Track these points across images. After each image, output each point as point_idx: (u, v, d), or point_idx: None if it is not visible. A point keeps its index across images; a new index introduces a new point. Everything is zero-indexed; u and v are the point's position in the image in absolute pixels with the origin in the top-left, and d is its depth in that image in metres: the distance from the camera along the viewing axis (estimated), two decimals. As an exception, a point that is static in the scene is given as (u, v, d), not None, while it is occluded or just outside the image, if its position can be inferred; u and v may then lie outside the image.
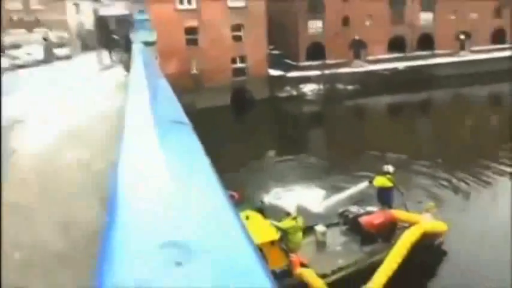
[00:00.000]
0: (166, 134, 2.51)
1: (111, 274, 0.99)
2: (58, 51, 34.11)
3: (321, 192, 17.04)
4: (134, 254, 1.05)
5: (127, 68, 12.28)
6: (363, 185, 14.53)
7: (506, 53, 46.62)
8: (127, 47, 13.34)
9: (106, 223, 1.33)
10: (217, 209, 1.35)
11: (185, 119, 2.83)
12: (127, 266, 1.01)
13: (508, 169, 20.57)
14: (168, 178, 1.63)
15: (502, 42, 47.88)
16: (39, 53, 23.44)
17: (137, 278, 0.96)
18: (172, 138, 2.47)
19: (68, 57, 30.67)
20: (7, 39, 29.22)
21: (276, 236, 10.55)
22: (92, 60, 19.19)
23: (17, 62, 22.53)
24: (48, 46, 23.76)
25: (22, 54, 24.67)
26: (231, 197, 10.78)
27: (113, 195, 1.56)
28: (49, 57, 22.87)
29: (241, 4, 37.34)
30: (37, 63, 22.34)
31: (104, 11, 32.84)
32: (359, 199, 14.67)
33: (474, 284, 11.82)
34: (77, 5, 70.56)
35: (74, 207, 3.82)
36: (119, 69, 13.91)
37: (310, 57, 43.10)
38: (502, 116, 35.00)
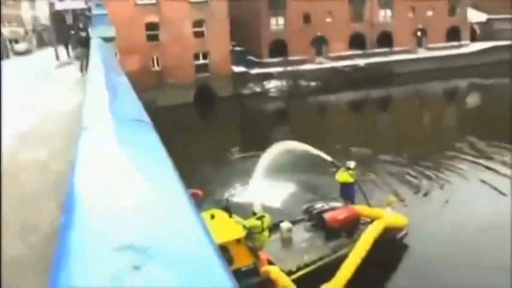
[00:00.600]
0: (125, 133, 2.45)
1: (67, 278, 0.96)
2: (17, 47, 32.86)
3: (285, 187, 17.16)
4: (91, 257, 1.02)
5: (85, 64, 11.93)
6: (325, 157, 14.70)
7: (461, 50, 48.36)
8: (85, 42, 12.93)
9: (62, 225, 1.30)
10: (177, 209, 1.32)
11: (146, 117, 2.76)
12: (83, 270, 0.98)
13: (467, 157, 21.48)
14: (126, 178, 1.59)
15: (457, 39, 49.62)
16: None
17: (94, 281, 0.92)
18: (132, 137, 2.40)
19: (27, 52, 29.56)
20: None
21: (241, 234, 10.52)
22: (48, 56, 18.56)
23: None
24: (4, 41, 22.89)
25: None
26: (195, 195, 10.69)
27: (69, 196, 1.52)
28: (5, 52, 22.05)
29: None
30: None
31: (60, 5, 31.78)
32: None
33: (434, 276, 12.18)
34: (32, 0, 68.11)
35: (32, 210, 3.68)
36: (77, 66, 13.50)
37: (272, 54, 43.30)
38: (458, 111, 36.40)
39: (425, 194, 17.62)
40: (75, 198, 1.48)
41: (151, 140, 2.30)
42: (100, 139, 2.30)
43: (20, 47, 32.11)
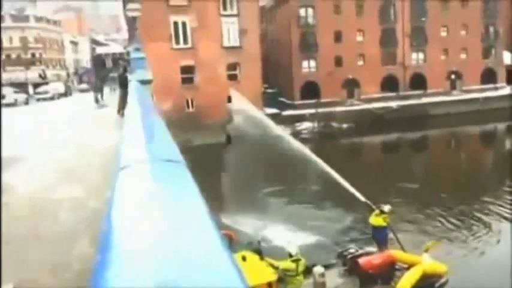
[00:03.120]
0: (160, 172, 2.47)
1: None
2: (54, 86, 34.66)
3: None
4: None
5: (123, 105, 12.30)
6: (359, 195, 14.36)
7: (497, 93, 47.48)
8: (123, 85, 13.40)
9: (97, 263, 1.30)
10: (211, 251, 1.30)
11: (180, 158, 2.78)
12: None
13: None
14: (161, 218, 1.57)
15: (493, 81, 48.85)
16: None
17: None
18: (166, 177, 2.44)
19: (64, 95, 30.94)
20: (5, 76, 30.13)
21: (273, 277, 10.28)
22: (88, 98, 19.30)
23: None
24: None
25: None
26: (228, 236, 10.59)
27: (105, 234, 1.52)
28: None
29: (236, 44, 38.06)
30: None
31: (101, 50, 33.34)
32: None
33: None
34: (75, 43, 71.95)
35: (67, 246, 3.70)
36: (114, 108, 13.93)
37: (304, 96, 43.68)
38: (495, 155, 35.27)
39: (464, 241, 16.91)
40: (111, 237, 1.48)
41: (185, 179, 2.32)
42: (136, 178, 2.34)
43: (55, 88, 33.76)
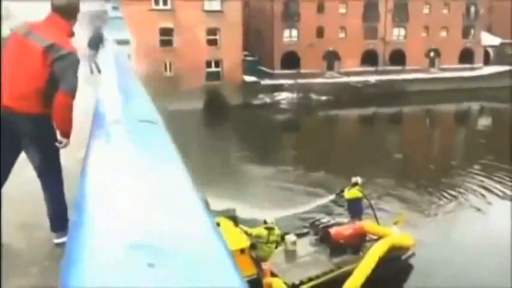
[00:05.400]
0: (138, 133, 2.41)
1: (78, 277, 0.95)
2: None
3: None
4: (103, 256, 1.02)
5: (95, 63, 11.92)
6: (329, 198, 14.75)
7: (473, 73, 48.17)
8: (99, 43, 12.95)
9: (73, 224, 1.30)
10: (189, 210, 1.32)
11: (158, 119, 2.71)
12: (96, 269, 0.98)
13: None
14: (138, 179, 1.56)
15: (470, 62, 49.47)
16: None
17: (107, 280, 0.91)
18: (144, 138, 2.38)
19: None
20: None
21: (245, 243, 10.40)
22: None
23: None
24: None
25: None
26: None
27: (81, 195, 1.52)
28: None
29: (217, 8, 37.25)
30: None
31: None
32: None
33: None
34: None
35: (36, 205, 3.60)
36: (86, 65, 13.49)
37: (284, 66, 43.42)
38: (468, 133, 36.13)
39: (432, 215, 17.43)
40: (87, 198, 1.48)
41: (164, 141, 2.29)
42: (112, 139, 2.28)
43: None
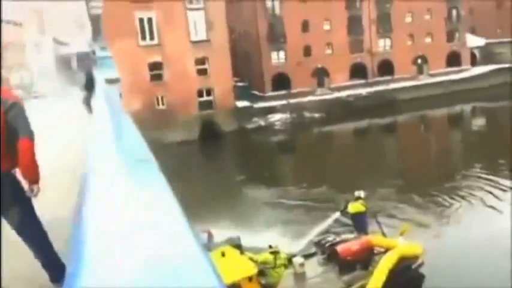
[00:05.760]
0: (131, 173, 2.42)
1: None
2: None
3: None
4: None
5: (89, 105, 12.00)
6: (335, 215, 14.62)
7: (462, 75, 48.63)
8: (89, 84, 13.05)
9: (70, 273, 1.32)
10: (185, 251, 1.30)
11: (151, 157, 2.71)
12: None
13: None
14: (133, 220, 1.56)
15: (457, 64, 50.00)
16: None
17: None
18: (137, 177, 2.39)
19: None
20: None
21: (253, 271, 10.26)
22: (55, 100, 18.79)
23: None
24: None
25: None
26: (209, 234, 10.51)
27: (77, 240, 1.52)
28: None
29: (204, 37, 37.70)
30: None
31: (65, 50, 32.49)
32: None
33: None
34: (37, 45, 69.76)
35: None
36: (82, 108, 13.58)
37: (275, 87, 43.76)
38: (463, 135, 36.21)
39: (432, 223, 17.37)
40: (84, 243, 1.46)
41: (157, 179, 2.27)
42: (106, 181, 2.29)
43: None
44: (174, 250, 1.29)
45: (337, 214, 14.65)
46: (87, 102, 13.04)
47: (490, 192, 19.85)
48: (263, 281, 10.43)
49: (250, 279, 10.17)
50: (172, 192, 1.95)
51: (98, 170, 2.59)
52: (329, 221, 14.70)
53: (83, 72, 17.86)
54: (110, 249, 1.33)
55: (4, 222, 2.99)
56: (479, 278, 12.79)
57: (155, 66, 36.55)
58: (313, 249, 13.57)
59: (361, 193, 14.08)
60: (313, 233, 14.61)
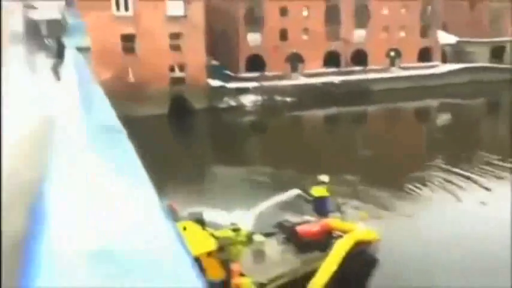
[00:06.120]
0: (99, 141, 2.44)
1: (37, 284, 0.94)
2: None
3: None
4: (62, 265, 1.00)
5: (57, 72, 11.77)
6: (293, 192, 14.73)
7: (432, 71, 49.69)
8: (59, 52, 12.76)
9: (31, 232, 1.29)
10: (150, 218, 1.32)
11: (120, 126, 2.76)
12: (54, 277, 0.96)
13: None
14: (100, 187, 1.58)
15: (428, 60, 51.00)
16: None
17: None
18: (105, 146, 2.40)
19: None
20: None
21: (212, 246, 10.46)
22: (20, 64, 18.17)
23: None
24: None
25: None
26: (171, 207, 10.60)
27: (40, 204, 1.52)
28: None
29: (180, 13, 37.09)
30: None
31: (35, 14, 31.30)
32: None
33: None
34: (6, 10, 66.91)
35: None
36: (49, 74, 13.27)
37: (249, 69, 43.62)
38: (428, 130, 37.25)
39: (395, 210, 17.99)
40: (47, 206, 1.45)
41: (126, 149, 2.30)
42: (74, 147, 2.29)
43: None
44: (142, 219, 1.29)
45: (295, 191, 14.72)
46: (56, 69, 12.77)
47: (450, 181, 20.85)
48: (222, 257, 10.64)
49: (209, 254, 10.36)
50: (141, 162, 1.98)
51: (66, 138, 2.60)
52: (284, 196, 14.79)
53: (52, 39, 17.34)
54: (77, 216, 1.32)
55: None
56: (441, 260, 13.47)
57: (128, 38, 35.77)
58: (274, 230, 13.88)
59: (326, 178, 14.43)
60: (264, 205, 14.55)
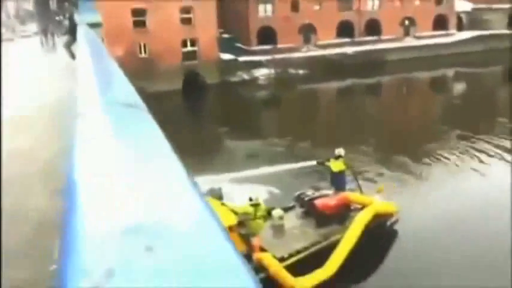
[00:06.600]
0: (121, 118, 2.39)
1: (78, 262, 0.91)
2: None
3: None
4: (101, 241, 0.97)
5: (71, 50, 11.71)
6: (309, 163, 14.72)
7: (447, 39, 48.58)
8: (71, 29, 12.65)
9: (65, 211, 1.25)
10: (182, 192, 1.27)
11: (140, 102, 2.68)
12: (94, 253, 0.93)
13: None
14: (126, 162, 1.54)
15: (444, 28, 49.81)
16: None
17: (106, 264, 0.87)
18: (128, 122, 2.35)
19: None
20: None
21: (233, 221, 10.51)
22: (33, 43, 18.13)
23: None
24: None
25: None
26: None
27: (69, 182, 1.45)
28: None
29: (191, -14, 36.53)
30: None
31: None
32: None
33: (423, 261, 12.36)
34: (14, -16, 66.63)
35: (21, 196, 3.59)
36: (63, 52, 13.21)
37: (261, 41, 43.07)
38: (444, 100, 36.69)
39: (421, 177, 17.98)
40: (76, 185, 1.40)
41: (149, 124, 2.25)
42: (96, 125, 2.25)
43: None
44: (172, 195, 1.25)
45: (310, 163, 14.72)
46: (69, 46, 12.69)
47: (468, 152, 20.63)
48: (243, 232, 10.71)
49: (230, 229, 10.42)
50: (163, 135, 1.94)
51: (87, 114, 2.55)
52: (299, 164, 14.88)
53: (63, 16, 17.20)
54: (106, 194, 1.29)
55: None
56: (458, 235, 13.37)
57: (139, 13, 35.47)
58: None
59: (341, 151, 14.29)
60: (278, 168, 14.78)
